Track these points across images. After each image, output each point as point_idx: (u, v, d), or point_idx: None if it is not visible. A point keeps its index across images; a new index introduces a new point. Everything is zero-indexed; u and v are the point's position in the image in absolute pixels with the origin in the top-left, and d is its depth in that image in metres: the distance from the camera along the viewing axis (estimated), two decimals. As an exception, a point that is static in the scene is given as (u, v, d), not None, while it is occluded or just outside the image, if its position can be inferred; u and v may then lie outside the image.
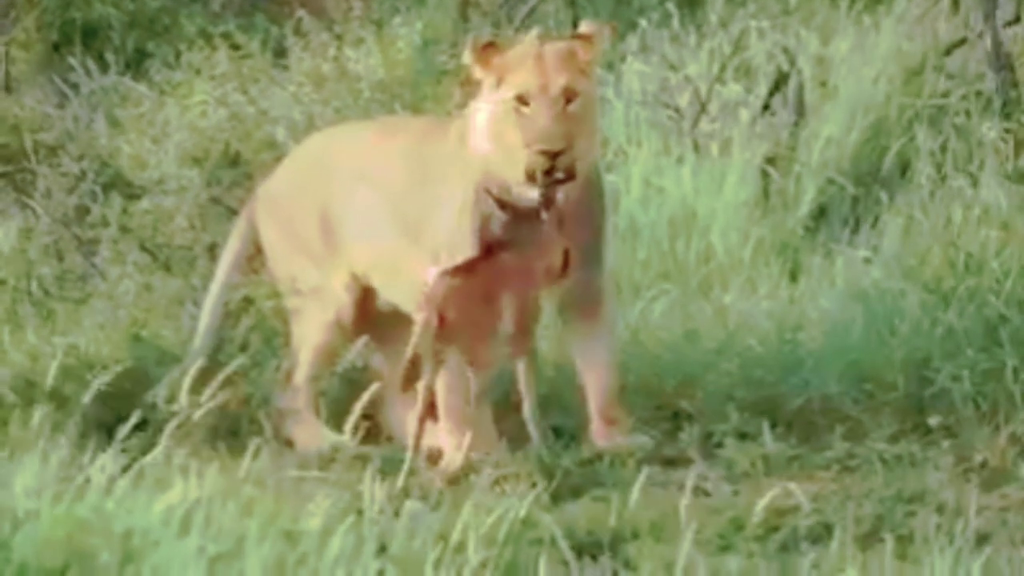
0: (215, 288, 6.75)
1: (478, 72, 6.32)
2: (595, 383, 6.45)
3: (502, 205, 6.25)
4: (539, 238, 6.25)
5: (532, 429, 6.25)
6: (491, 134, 6.27)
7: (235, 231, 6.79)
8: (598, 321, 6.45)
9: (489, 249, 6.24)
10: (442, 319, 6.04)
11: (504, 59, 6.27)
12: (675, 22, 9.05)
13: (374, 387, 6.26)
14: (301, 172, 6.70)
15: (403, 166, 6.51)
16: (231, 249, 6.77)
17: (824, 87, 8.67)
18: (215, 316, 6.72)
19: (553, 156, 6.17)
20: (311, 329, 6.61)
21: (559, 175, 6.19)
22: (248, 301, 6.90)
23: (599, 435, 6.43)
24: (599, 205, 6.44)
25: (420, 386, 6.11)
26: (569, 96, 6.23)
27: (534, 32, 6.46)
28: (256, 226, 6.75)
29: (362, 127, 7.02)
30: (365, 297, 6.59)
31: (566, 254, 6.30)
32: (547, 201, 6.24)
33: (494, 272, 6.18)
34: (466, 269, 6.18)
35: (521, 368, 6.27)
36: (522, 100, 6.23)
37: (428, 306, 6.08)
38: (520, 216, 6.25)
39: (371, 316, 6.62)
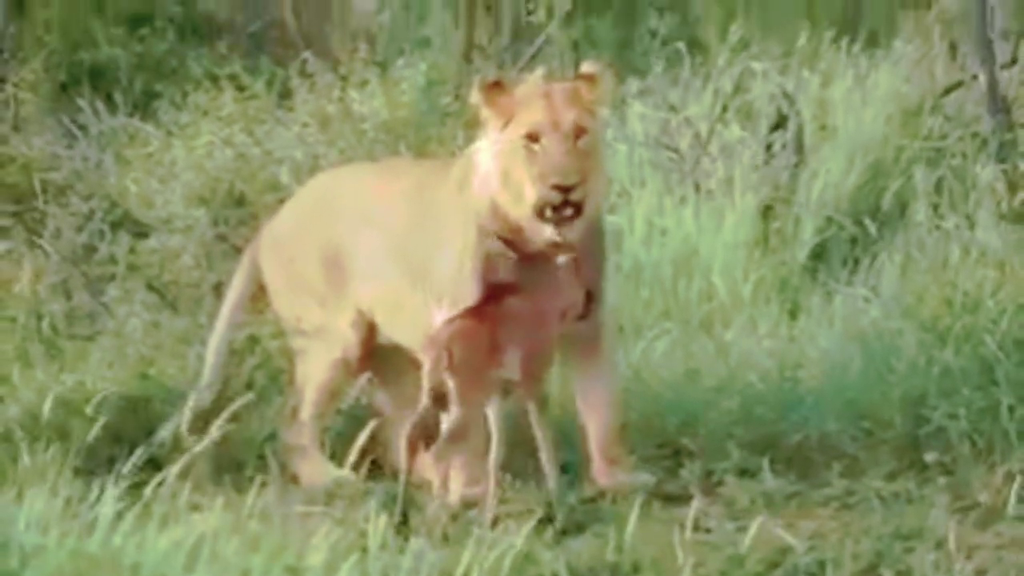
0: (220, 326, 6.76)
1: (485, 112, 6.33)
2: (596, 422, 6.46)
3: (510, 245, 6.26)
4: (553, 281, 6.24)
5: (548, 471, 6.24)
6: (499, 174, 6.27)
7: (239, 271, 6.81)
8: (599, 360, 6.46)
9: (496, 294, 6.23)
10: (450, 357, 6.05)
11: (511, 98, 6.29)
12: (679, 65, 9.09)
13: (373, 423, 6.27)
14: (305, 213, 6.72)
15: (405, 207, 6.52)
16: (235, 288, 6.79)
17: (823, 129, 8.70)
18: (220, 354, 6.73)
19: (566, 191, 6.19)
20: (316, 367, 6.63)
21: (569, 212, 6.21)
22: (253, 340, 6.91)
23: (601, 473, 6.44)
24: (600, 245, 6.45)
25: (444, 418, 6.08)
26: (579, 132, 6.25)
27: (539, 72, 6.48)
28: (260, 266, 6.77)
29: (365, 169, 7.03)
30: (369, 336, 6.61)
31: (588, 296, 6.30)
32: (564, 244, 6.23)
33: (501, 317, 6.16)
34: (474, 313, 6.18)
35: (533, 411, 6.26)
36: (532, 137, 6.23)
37: (435, 347, 6.08)
38: (529, 258, 6.26)
39: (374, 353, 6.64)
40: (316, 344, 6.62)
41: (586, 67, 6.42)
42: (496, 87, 6.31)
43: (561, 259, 6.24)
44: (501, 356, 6.13)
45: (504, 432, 6.24)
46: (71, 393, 6.60)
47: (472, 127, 8.51)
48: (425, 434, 6.07)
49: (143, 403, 6.62)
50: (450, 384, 6.02)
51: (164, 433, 6.32)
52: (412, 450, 6.07)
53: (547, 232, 6.22)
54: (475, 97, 6.34)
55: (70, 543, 5.22)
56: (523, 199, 6.22)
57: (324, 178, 6.93)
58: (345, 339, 6.59)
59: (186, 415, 6.32)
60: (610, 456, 6.44)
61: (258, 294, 6.81)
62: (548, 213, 6.20)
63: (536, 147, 6.22)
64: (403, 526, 5.90)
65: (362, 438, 6.14)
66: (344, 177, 6.86)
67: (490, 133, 6.32)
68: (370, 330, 6.60)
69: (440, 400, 6.04)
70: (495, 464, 6.23)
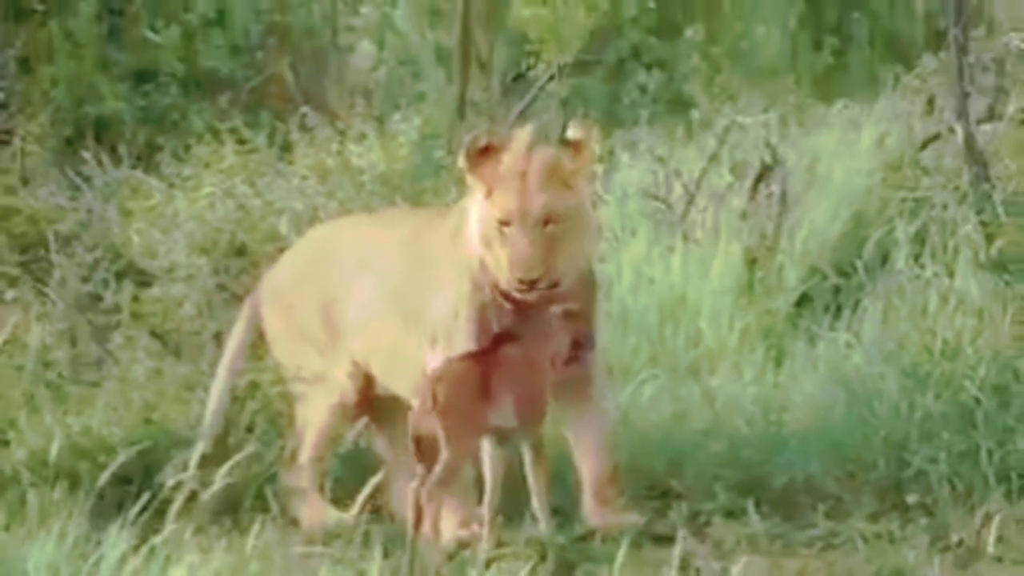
0: (221, 373, 6.78)
1: (470, 179, 6.32)
2: (588, 464, 6.47)
3: (505, 296, 6.30)
4: (545, 329, 6.25)
5: (541, 515, 6.26)
6: (482, 242, 6.27)
7: (240, 319, 6.83)
8: (590, 404, 6.47)
9: (494, 342, 6.26)
10: (434, 399, 6.07)
11: (493, 172, 6.24)
12: (667, 119, 9.15)
13: (381, 473, 6.28)
14: (304, 263, 6.75)
15: (402, 255, 6.54)
16: (236, 336, 6.81)
17: (807, 181, 8.75)
18: (222, 401, 6.74)
19: (530, 283, 6.17)
20: (315, 412, 6.65)
21: (536, 295, 6.17)
22: (254, 385, 6.94)
23: (592, 514, 6.44)
24: (592, 294, 6.47)
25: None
26: (548, 219, 6.19)
27: (526, 132, 6.37)
28: (260, 315, 6.80)
29: (362, 220, 7.05)
30: (366, 384, 6.64)
31: (575, 343, 6.34)
32: (552, 297, 6.27)
33: (495, 364, 6.17)
34: (468, 358, 6.21)
35: (528, 455, 6.28)
36: (503, 223, 6.21)
37: (426, 386, 6.11)
38: (525, 307, 6.28)
39: (372, 402, 6.67)
40: (315, 390, 6.64)
41: (571, 132, 6.35)
42: (483, 153, 6.27)
43: (556, 308, 6.28)
44: (493, 402, 6.15)
45: (500, 476, 6.27)
46: (78, 437, 6.62)
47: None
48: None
49: (148, 448, 6.64)
50: (438, 427, 6.05)
51: (168, 478, 6.34)
52: (419, 513, 6.08)
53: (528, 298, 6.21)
54: (461, 162, 6.32)
55: (77, 583, 5.24)
56: (503, 271, 6.22)
57: (322, 229, 6.96)
58: (343, 386, 6.61)
59: (192, 462, 6.34)
60: (601, 497, 6.45)
61: (258, 341, 6.85)
62: (517, 296, 6.19)
63: (507, 231, 6.19)
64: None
65: (369, 488, 6.15)
66: (342, 228, 6.89)
67: (476, 198, 6.32)
68: (367, 378, 6.63)
69: (421, 445, 6.07)
70: (490, 507, 6.25)
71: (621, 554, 5.69)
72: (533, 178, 6.21)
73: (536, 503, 6.25)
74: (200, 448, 6.55)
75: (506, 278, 6.19)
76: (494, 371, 6.16)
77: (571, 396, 6.45)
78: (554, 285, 6.21)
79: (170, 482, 6.21)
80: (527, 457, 6.25)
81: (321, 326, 6.63)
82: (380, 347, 6.55)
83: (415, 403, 6.11)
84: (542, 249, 6.18)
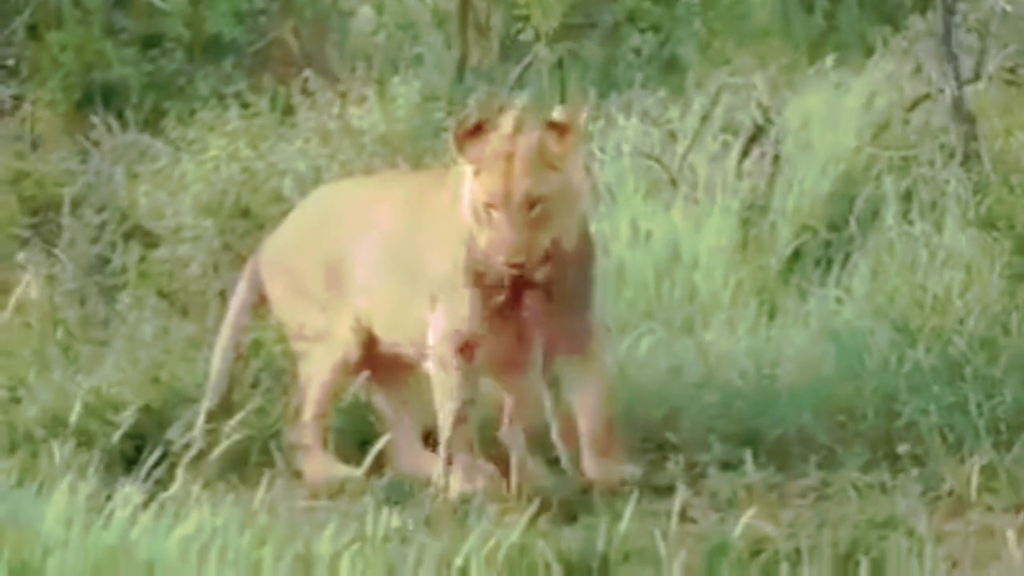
0: (225, 332, 6.77)
1: (460, 160, 6.25)
2: (586, 417, 6.46)
3: (479, 281, 6.27)
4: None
5: (513, 466, 6.24)
6: (472, 218, 6.23)
7: (242, 280, 6.81)
8: (588, 358, 6.45)
9: (517, 287, 6.20)
10: (471, 350, 6.02)
11: (481, 153, 6.17)
12: (661, 81, 9.12)
13: (388, 435, 6.26)
14: (306, 225, 6.72)
15: (402, 216, 6.52)
16: (238, 297, 6.79)
17: (799, 141, 8.72)
18: (226, 359, 6.73)
19: (513, 267, 6.13)
20: (318, 369, 6.62)
21: (520, 273, 6.16)
22: (257, 344, 6.92)
23: (591, 466, 6.44)
24: (588, 250, 6.45)
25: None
26: (533, 202, 6.12)
27: (513, 114, 6.25)
28: (261, 277, 6.77)
29: (362, 182, 7.02)
30: (369, 341, 6.62)
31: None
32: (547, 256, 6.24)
33: (522, 307, 6.18)
34: (498, 310, 6.19)
35: (512, 405, 6.26)
36: (489, 205, 6.17)
37: (446, 346, 6.08)
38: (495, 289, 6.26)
39: (374, 359, 6.64)
40: (318, 348, 6.62)
41: (558, 114, 6.27)
42: (472, 133, 6.19)
43: (540, 274, 6.25)
44: (529, 339, 6.13)
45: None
46: (87, 395, 6.60)
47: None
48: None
49: (156, 405, 6.63)
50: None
51: (175, 435, 6.33)
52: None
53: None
54: (451, 143, 6.23)
55: (90, 538, 5.22)
56: (488, 250, 6.17)
57: (324, 191, 6.93)
58: (346, 342, 6.59)
59: (199, 420, 6.32)
60: (600, 450, 6.45)
61: (259, 302, 6.82)
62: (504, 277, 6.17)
63: (493, 214, 6.15)
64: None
65: (378, 446, 6.14)
66: (342, 190, 6.87)
67: (467, 173, 6.26)
68: (369, 335, 6.61)
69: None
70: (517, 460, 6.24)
71: (627, 508, 5.67)
72: (518, 162, 6.13)
73: (554, 438, 6.25)
74: (206, 405, 6.53)
75: (491, 258, 6.15)
76: (523, 314, 6.14)
77: (568, 351, 6.43)
78: (543, 261, 6.17)
79: (179, 442, 6.20)
80: (510, 406, 6.25)
81: (324, 285, 6.61)
82: (383, 305, 6.53)
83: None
84: (526, 233, 6.11)
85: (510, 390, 6.39)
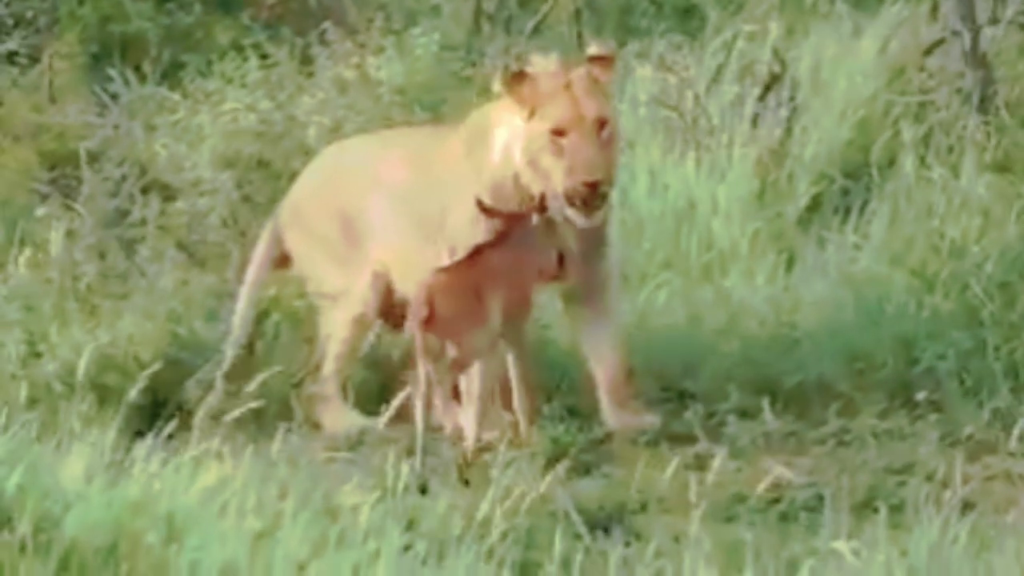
0: (246, 288, 6.76)
1: (508, 101, 6.26)
2: (603, 367, 6.43)
3: (490, 213, 6.21)
4: (530, 240, 6.22)
5: (521, 417, 6.21)
6: (528, 162, 6.25)
7: (263, 237, 6.81)
8: (602, 309, 6.43)
9: (479, 250, 6.21)
10: (432, 313, 6.01)
11: (535, 90, 6.25)
12: (677, 29, 9.02)
13: (406, 392, 6.22)
14: (319, 182, 6.72)
15: (412, 171, 6.53)
16: (259, 254, 6.79)
17: (815, 87, 8.62)
18: (247, 315, 6.71)
19: (594, 185, 6.17)
20: (338, 324, 6.61)
21: (598, 201, 6.20)
22: (277, 300, 6.88)
23: (610, 415, 6.40)
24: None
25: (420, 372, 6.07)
26: (602, 124, 6.24)
27: (553, 56, 6.40)
28: (281, 235, 6.75)
29: (369, 139, 7.00)
30: (388, 295, 6.59)
31: (560, 257, 6.26)
32: (541, 206, 6.21)
33: (483, 271, 6.16)
34: (456, 267, 6.17)
35: (512, 360, 6.22)
36: (558, 132, 6.21)
37: (418, 300, 6.07)
38: (510, 219, 6.22)
39: (391, 307, 6.61)
40: (338, 304, 6.61)
41: (595, 48, 6.38)
42: (517, 78, 6.25)
43: (535, 219, 6.19)
44: (485, 303, 6.10)
45: (523, 376, 6.20)
46: (107, 349, 6.55)
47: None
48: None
49: (176, 359, 6.58)
50: (442, 333, 5.99)
51: (193, 392, 6.30)
52: (428, 404, 6.06)
53: (577, 220, 6.21)
54: (497, 87, 6.28)
55: (111, 492, 5.18)
56: (553, 188, 6.20)
57: (334, 148, 6.94)
58: (364, 298, 6.59)
59: (219, 374, 6.29)
60: (618, 399, 6.41)
61: (280, 262, 6.78)
62: (577, 202, 6.17)
63: (563, 141, 6.20)
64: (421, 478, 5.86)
65: (398, 400, 6.10)
66: (351, 147, 6.88)
67: (514, 121, 6.27)
68: (388, 289, 6.57)
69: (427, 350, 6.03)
70: (520, 404, 6.18)
71: (641, 456, 5.63)
72: (579, 89, 6.25)
73: (517, 404, 6.19)
74: (227, 359, 6.50)
75: (566, 185, 6.17)
76: (482, 277, 6.14)
77: (582, 302, 6.44)
78: (605, 197, 6.23)
79: (197, 399, 6.17)
80: (513, 360, 6.19)
81: (341, 239, 6.61)
82: (399, 256, 6.54)
83: (409, 314, 6.06)
84: (601, 152, 6.22)
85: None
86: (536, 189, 6.25)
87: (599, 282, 6.42)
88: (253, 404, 6.00)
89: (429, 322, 6.03)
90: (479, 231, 6.26)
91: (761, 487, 5.67)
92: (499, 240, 6.22)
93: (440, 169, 6.45)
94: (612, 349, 6.41)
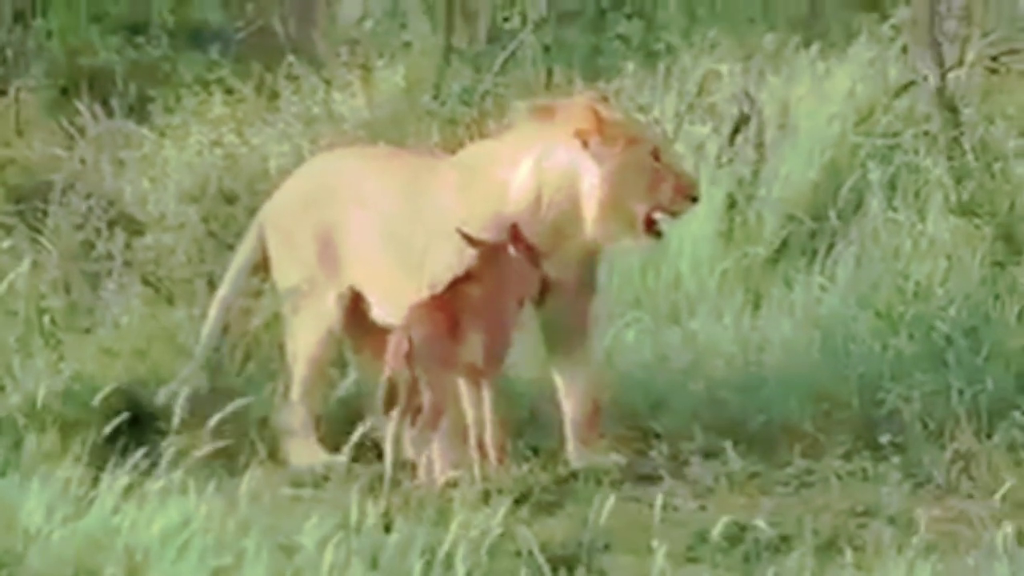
0: (224, 289, 6.74)
1: (592, 138, 6.29)
2: (573, 405, 6.45)
3: (472, 242, 6.26)
4: (508, 270, 6.25)
5: (491, 451, 6.23)
6: (612, 190, 6.28)
7: (247, 237, 6.78)
8: (584, 349, 6.46)
9: (457, 283, 6.24)
10: (411, 347, 6.04)
11: (613, 124, 6.32)
12: (647, 68, 9.08)
13: (368, 423, 6.25)
14: (304, 191, 6.68)
15: (401, 199, 6.50)
16: (241, 254, 6.76)
17: (783, 128, 8.69)
18: (220, 318, 6.70)
19: (696, 199, 6.38)
20: (304, 343, 6.60)
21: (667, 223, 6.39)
22: (245, 333, 6.89)
23: (575, 454, 6.43)
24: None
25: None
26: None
27: (588, 91, 6.68)
28: (264, 235, 6.73)
29: (364, 154, 6.92)
30: (354, 311, 6.58)
31: (544, 283, 6.30)
32: (515, 237, 6.26)
33: (462, 304, 6.18)
34: (434, 302, 6.19)
35: (487, 392, 6.25)
36: (656, 155, 6.34)
37: (399, 332, 6.10)
38: (488, 252, 6.25)
39: (367, 327, 6.61)
40: (305, 320, 6.59)
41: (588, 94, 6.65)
42: (595, 116, 6.32)
43: (512, 250, 6.23)
44: (463, 341, 6.13)
45: (496, 412, 6.22)
46: (70, 382, 6.56)
47: (447, 128, 8.50)
48: (411, 416, 6.08)
49: (140, 391, 6.58)
50: (416, 370, 6.02)
51: (161, 399, 6.29)
52: (398, 441, 6.08)
53: (644, 241, 6.36)
54: (586, 123, 6.28)
55: (71, 526, 5.19)
56: (631, 215, 6.29)
57: (323, 159, 6.90)
58: (331, 315, 6.58)
59: (180, 401, 6.29)
60: (584, 437, 6.43)
61: (262, 264, 6.73)
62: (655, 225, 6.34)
63: (657, 164, 6.32)
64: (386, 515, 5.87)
65: (356, 434, 6.12)
66: (343, 159, 6.80)
67: (587, 154, 6.31)
68: (355, 305, 6.57)
69: (393, 391, 6.04)
70: (492, 439, 6.21)
71: (607, 496, 5.65)
72: (630, 116, 6.56)
73: (489, 440, 6.22)
74: (196, 364, 6.52)
75: (675, 203, 6.32)
76: (461, 312, 6.15)
77: (565, 339, 6.45)
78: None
79: (160, 398, 6.14)
80: (486, 395, 6.23)
81: (315, 256, 6.59)
82: (377, 281, 6.53)
83: (389, 349, 6.09)
84: None
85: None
86: (616, 229, 6.29)
87: (583, 319, 6.45)
88: (219, 443, 5.99)
89: (408, 356, 6.05)
90: (461, 266, 6.29)
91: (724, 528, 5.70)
92: (476, 274, 6.24)
93: (428, 201, 6.45)
94: (585, 387, 6.43)
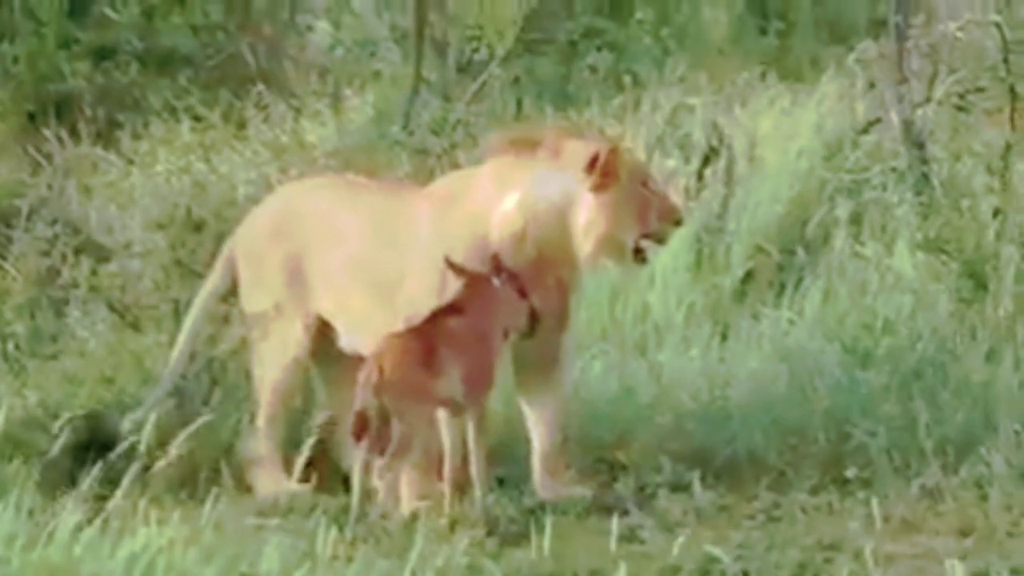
0: (193, 313, 6.72)
1: (603, 175, 6.31)
2: (541, 437, 6.45)
3: (459, 272, 6.24)
4: (493, 301, 6.22)
5: (477, 484, 6.21)
6: (613, 218, 6.30)
7: (218, 261, 6.77)
8: (555, 380, 6.46)
9: (437, 315, 6.21)
10: (381, 377, 6.01)
11: (582, 156, 6.34)
12: (616, 100, 9.10)
13: (313, 437, 6.23)
14: (273, 220, 6.67)
15: (371, 230, 6.49)
16: (211, 279, 6.76)
17: (752, 161, 8.71)
18: (189, 343, 6.69)
19: (680, 222, 6.47)
20: (269, 369, 6.59)
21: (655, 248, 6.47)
22: (213, 359, 6.86)
23: (542, 486, 6.42)
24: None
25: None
26: None
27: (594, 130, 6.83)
28: (235, 259, 6.72)
29: (335, 184, 6.89)
30: (320, 339, 6.56)
31: (533, 314, 6.28)
32: (497, 267, 6.24)
33: (441, 337, 6.14)
34: (412, 332, 6.16)
35: (471, 426, 6.22)
36: (644, 182, 6.41)
37: (371, 362, 6.07)
38: (474, 282, 6.24)
39: (336, 357, 6.59)
40: (271, 346, 6.58)
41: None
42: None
43: (497, 281, 6.22)
44: (440, 374, 6.09)
45: (459, 446, 6.20)
46: (34, 409, 6.52)
47: (415, 157, 8.49)
48: (379, 445, 6.04)
49: (103, 417, 6.55)
50: (385, 400, 5.99)
51: (127, 426, 6.26)
52: (367, 470, 6.05)
53: (631, 268, 6.44)
54: (605, 166, 6.30)
55: (34, 554, 5.14)
56: (623, 241, 6.33)
57: (295, 187, 6.90)
58: (298, 341, 6.57)
59: (148, 428, 6.25)
60: (551, 468, 6.42)
61: (232, 289, 6.72)
62: (653, 244, 6.43)
63: (646, 192, 6.40)
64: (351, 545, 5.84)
65: (306, 449, 6.10)
66: (313, 189, 6.79)
67: (584, 187, 6.32)
68: (321, 333, 6.56)
69: (363, 420, 6.00)
70: (451, 476, 6.19)
71: (577, 533, 5.62)
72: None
73: (473, 471, 6.19)
74: (163, 390, 6.49)
75: (658, 228, 6.38)
76: (440, 343, 6.09)
77: (537, 371, 6.45)
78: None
79: (128, 422, 6.12)
80: (470, 428, 6.19)
81: (283, 284, 6.59)
82: (348, 311, 6.52)
83: (360, 378, 6.06)
84: None
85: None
86: (612, 253, 6.33)
87: (555, 351, 6.45)
88: (171, 460, 5.95)
89: (378, 387, 6.02)
90: (438, 297, 6.27)
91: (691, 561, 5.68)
92: (461, 304, 6.19)
93: (400, 232, 6.44)
94: (554, 418, 6.43)
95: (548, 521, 5.99)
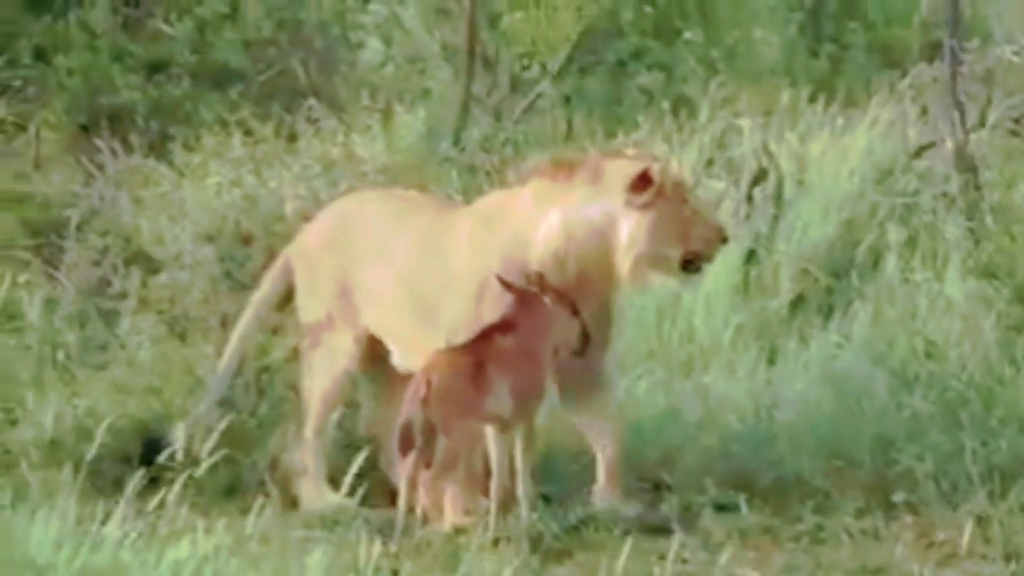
0: (246, 318, 6.78)
1: (649, 191, 6.37)
2: (606, 450, 6.48)
3: (510, 288, 6.28)
4: (543, 320, 6.26)
5: (523, 500, 6.24)
6: (656, 236, 6.36)
7: (273, 268, 6.83)
8: (602, 400, 6.50)
9: (488, 333, 6.25)
10: (428, 392, 6.06)
11: (626, 174, 6.40)
12: (666, 121, 9.12)
13: (365, 450, 6.28)
14: (327, 233, 6.75)
15: (418, 249, 6.56)
16: (266, 285, 6.82)
17: (801, 184, 8.71)
18: (240, 348, 6.74)
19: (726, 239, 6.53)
20: (319, 379, 6.66)
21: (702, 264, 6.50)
22: (262, 370, 6.92)
23: (600, 495, 6.45)
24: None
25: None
26: None
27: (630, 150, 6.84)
28: (291, 266, 6.78)
29: (388, 198, 6.93)
30: (371, 352, 6.61)
31: (584, 332, 6.31)
32: (542, 286, 6.28)
33: (490, 355, 6.18)
34: (461, 348, 6.20)
35: (519, 442, 6.26)
36: (686, 200, 6.47)
37: (419, 376, 6.11)
38: (525, 300, 6.27)
39: (388, 372, 6.64)
40: (322, 357, 6.64)
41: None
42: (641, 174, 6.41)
43: (547, 299, 6.26)
44: (489, 391, 6.14)
45: (505, 463, 6.24)
46: (83, 418, 6.58)
47: (466, 175, 8.54)
48: (425, 460, 6.08)
49: (151, 427, 6.61)
50: (432, 415, 6.03)
51: (176, 440, 6.31)
52: (412, 484, 6.09)
53: (684, 283, 6.52)
54: (647, 195, 6.35)
55: (80, 560, 5.20)
56: (671, 256, 6.39)
57: (350, 201, 6.93)
58: (349, 353, 6.63)
59: (202, 407, 6.30)
60: (613, 480, 6.46)
61: (288, 296, 6.77)
62: (701, 261, 6.47)
63: (690, 207, 6.46)
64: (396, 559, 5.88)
65: (353, 468, 6.14)
66: (367, 204, 6.85)
67: (626, 207, 6.38)
68: (371, 347, 6.62)
69: (409, 434, 6.05)
70: (496, 492, 6.22)
71: (627, 547, 5.65)
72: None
73: (521, 489, 6.22)
74: (212, 399, 6.55)
75: (704, 246, 6.42)
76: (489, 360, 6.13)
77: (582, 389, 6.49)
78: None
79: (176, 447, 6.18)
80: (517, 443, 6.23)
81: (336, 296, 6.66)
82: (394, 329, 6.58)
83: (408, 392, 6.10)
84: None
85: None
86: (658, 268, 6.38)
87: (600, 372, 6.50)
88: (219, 455, 5.99)
89: (425, 401, 6.06)
90: (478, 316, 6.32)
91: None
92: (512, 322, 6.24)
93: (445, 257, 6.50)
94: (614, 432, 6.48)
95: (592, 539, 6.03)
